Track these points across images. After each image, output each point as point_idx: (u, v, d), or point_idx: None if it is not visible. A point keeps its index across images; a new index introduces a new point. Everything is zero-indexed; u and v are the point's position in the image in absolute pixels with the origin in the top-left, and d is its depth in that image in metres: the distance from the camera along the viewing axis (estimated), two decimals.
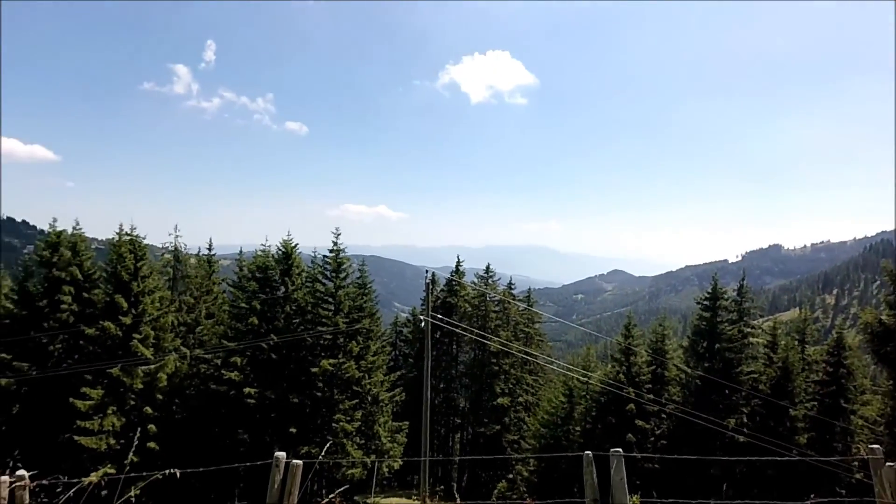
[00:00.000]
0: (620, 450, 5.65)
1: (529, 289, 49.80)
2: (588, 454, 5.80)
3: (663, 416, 28.79)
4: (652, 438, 27.96)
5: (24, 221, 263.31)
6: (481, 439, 39.28)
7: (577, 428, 31.85)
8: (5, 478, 4.32)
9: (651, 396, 28.36)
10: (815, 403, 27.32)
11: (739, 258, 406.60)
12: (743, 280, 30.65)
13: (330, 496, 4.46)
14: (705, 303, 29.81)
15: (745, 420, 27.10)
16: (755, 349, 29.14)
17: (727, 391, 27.54)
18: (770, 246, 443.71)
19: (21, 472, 4.53)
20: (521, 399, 40.63)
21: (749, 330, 29.18)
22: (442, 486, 36.33)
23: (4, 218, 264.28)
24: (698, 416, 23.26)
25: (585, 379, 31.84)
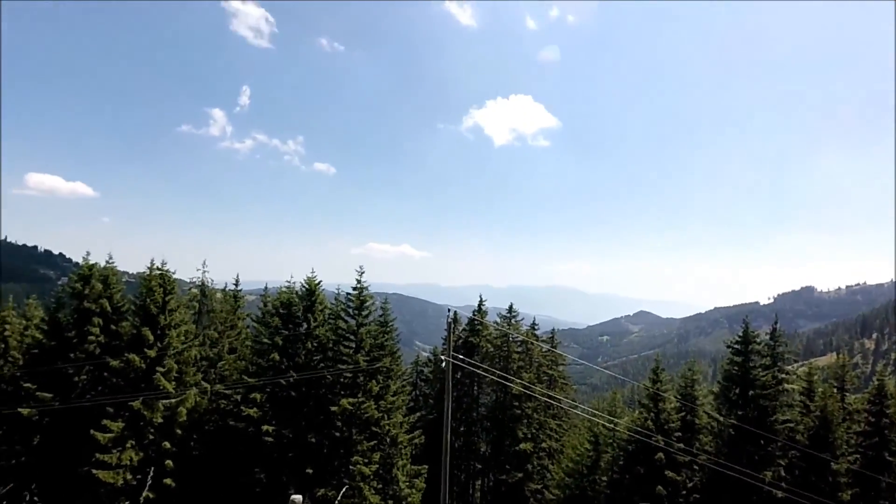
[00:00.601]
0: None
1: (553, 329, 48.86)
2: None
3: (695, 467, 27.47)
4: (684, 492, 26.65)
5: (60, 254, 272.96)
6: (503, 487, 37.93)
7: (604, 478, 30.59)
8: None
9: (681, 446, 27.08)
10: (858, 456, 25.74)
11: (771, 300, 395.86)
12: (776, 323, 29.22)
13: None
14: (736, 346, 28.58)
15: (782, 473, 25.62)
16: (791, 396, 27.81)
17: (762, 441, 26.17)
18: (802, 288, 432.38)
19: None
20: (544, 445, 39.33)
21: (784, 376, 27.81)
22: None
23: (42, 251, 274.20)
24: (732, 468, 22.07)
25: (612, 425, 30.72)
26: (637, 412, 30.28)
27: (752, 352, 28.16)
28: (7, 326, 30.24)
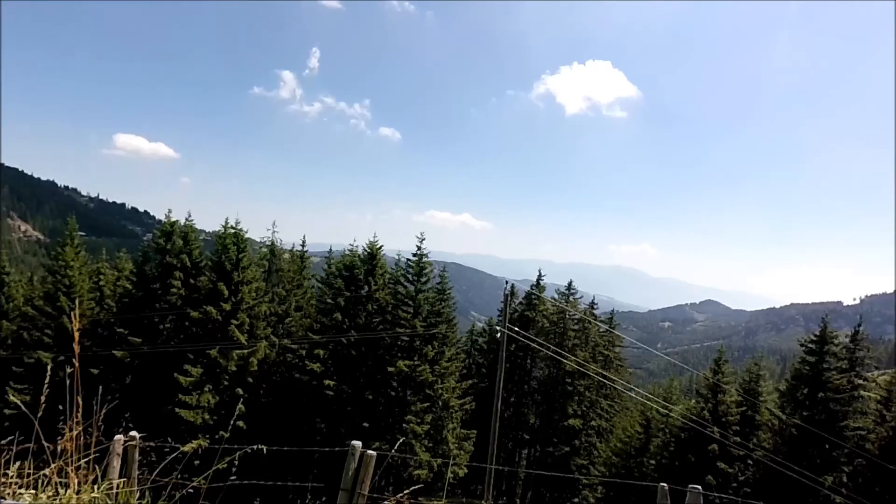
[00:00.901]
0: (699, 487, 5.36)
1: (613, 311, 48.25)
2: (663, 486, 5.53)
3: (749, 461, 27.00)
4: (734, 484, 26.30)
5: (145, 212, 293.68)
6: (549, 459, 38.53)
7: (652, 461, 30.59)
8: (120, 437, 5.01)
9: (738, 439, 26.64)
10: None
11: (857, 301, 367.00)
12: (859, 325, 27.48)
13: (399, 494, 4.80)
14: (811, 346, 27.41)
15: (845, 480, 24.67)
16: (865, 404, 26.48)
17: (827, 445, 25.21)
18: None
19: (133, 433, 5.24)
20: (593, 423, 39.48)
21: (861, 382, 26.46)
22: (505, 499, 36.02)
23: (129, 208, 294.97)
24: (790, 468, 21.44)
25: (666, 411, 30.46)
26: (694, 401, 29.86)
27: (828, 353, 26.97)
28: (102, 277, 33.36)
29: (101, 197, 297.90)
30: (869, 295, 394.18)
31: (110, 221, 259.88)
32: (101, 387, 3.86)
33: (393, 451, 11.22)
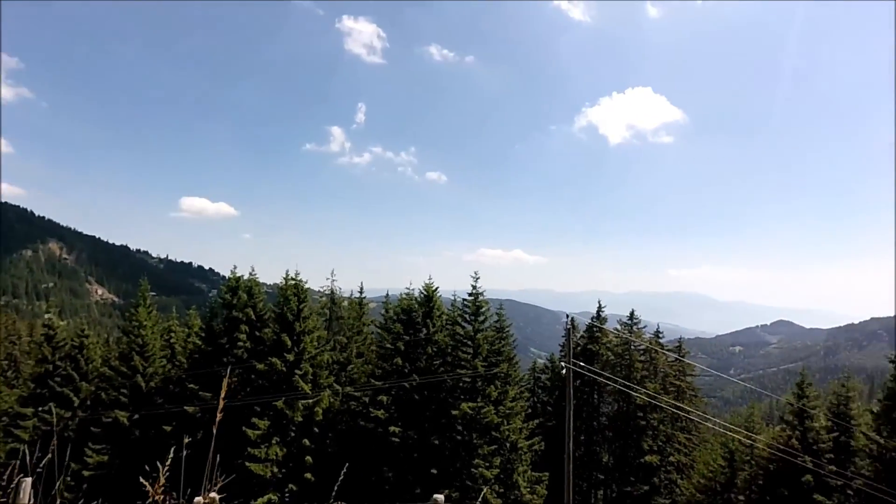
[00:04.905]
0: None
1: (680, 338, 46.08)
2: None
3: (849, 492, 24.78)
4: None
5: (210, 269, 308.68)
6: (628, 500, 36.42)
7: (741, 497, 28.50)
8: (199, 499, 4.87)
9: (833, 468, 24.53)
10: None
11: None
12: None
13: None
14: None
15: None
16: None
17: None
18: None
19: (213, 494, 5.08)
20: (672, 458, 37.24)
21: None
22: None
23: (196, 266, 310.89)
24: (894, 496, 19.49)
25: (750, 441, 28.48)
26: (778, 428, 27.86)
27: None
28: (173, 335, 34.79)
29: (170, 258, 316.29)
30: None
31: (179, 280, 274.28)
32: (173, 445, 3.79)
33: (479, 501, 10.75)
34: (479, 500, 24.28)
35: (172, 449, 3.71)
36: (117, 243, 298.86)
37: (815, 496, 24.13)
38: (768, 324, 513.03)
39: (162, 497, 3.52)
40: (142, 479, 3.38)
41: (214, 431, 3.63)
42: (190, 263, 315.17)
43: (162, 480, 3.54)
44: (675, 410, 36.45)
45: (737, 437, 29.89)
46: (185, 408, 27.11)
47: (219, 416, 3.72)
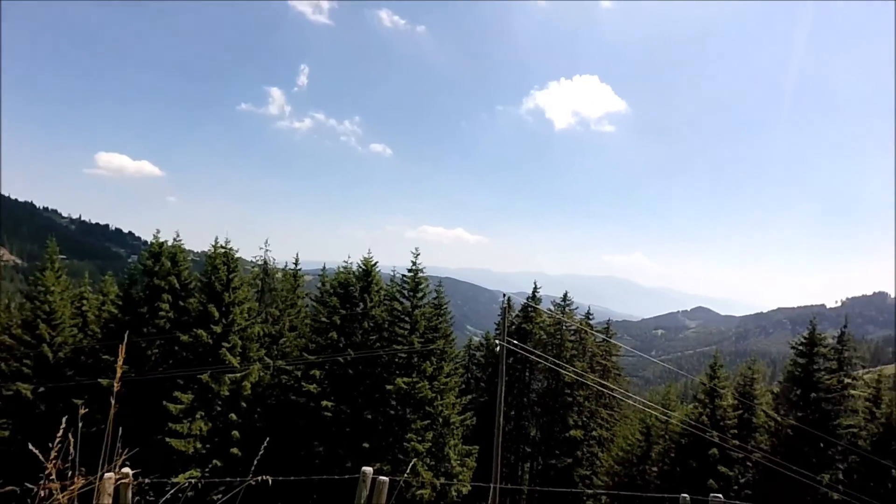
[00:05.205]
0: (720, 496, 5.11)
1: (609, 320, 47.94)
2: (685, 497, 5.26)
3: (749, 464, 27.49)
4: (735, 487, 26.63)
5: (130, 232, 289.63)
6: (552, 471, 37.88)
7: (654, 468, 30.51)
8: (111, 475, 4.33)
9: (736, 442, 26.97)
10: None
11: (839, 304, 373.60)
12: (845, 326, 28.54)
13: None
14: (801, 348, 28.01)
15: (840, 477, 25.12)
16: (855, 402, 27.15)
17: (822, 444, 25.73)
18: (875, 293, 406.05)
19: (126, 469, 4.52)
20: (594, 433, 39.05)
21: (849, 381, 27.14)
22: None
23: (113, 229, 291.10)
24: (788, 468, 21.49)
25: (665, 418, 30.36)
26: (691, 407, 29.90)
27: (818, 354, 27.65)
28: (85, 302, 32.34)
29: (82, 218, 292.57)
30: (850, 297, 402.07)
31: (93, 243, 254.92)
32: (81, 421, 3.26)
33: (406, 474, 10.61)
34: (408, 471, 24.37)
35: (64, 419, 3.18)
36: (20, 199, 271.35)
37: (719, 468, 26.24)
38: (689, 310, 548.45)
39: (59, 471, 3.02)
40: (31, 447, 2.86)
41: (112, 401, 3.17)
42: (106, 225, 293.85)
43: (52, 454, 3.02)
44: (600, 388, 38.02)
45: (654, 413, 31.70)
46: (99, 380, 25.30)
47: (116, 385, 3.25)
